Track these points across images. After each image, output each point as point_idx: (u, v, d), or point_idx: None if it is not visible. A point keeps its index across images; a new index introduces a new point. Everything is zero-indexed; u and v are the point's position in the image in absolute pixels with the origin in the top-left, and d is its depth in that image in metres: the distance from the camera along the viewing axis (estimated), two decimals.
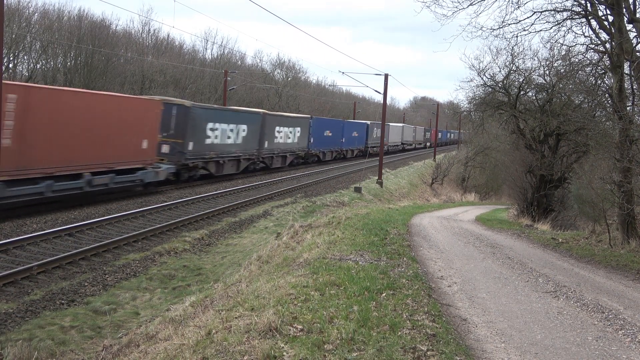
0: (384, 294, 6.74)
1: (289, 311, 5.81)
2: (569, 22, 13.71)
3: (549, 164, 22.34)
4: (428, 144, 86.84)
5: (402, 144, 69.01)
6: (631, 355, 5.60)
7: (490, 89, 24.77)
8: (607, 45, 13.12)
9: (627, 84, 13.16)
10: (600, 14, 13.05)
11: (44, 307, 9.72)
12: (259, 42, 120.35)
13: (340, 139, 47.20)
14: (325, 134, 43.22)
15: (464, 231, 14.86)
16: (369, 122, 56.10)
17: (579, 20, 13.72)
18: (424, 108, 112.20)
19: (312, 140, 40.24)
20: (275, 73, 69.72)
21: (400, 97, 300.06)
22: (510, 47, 23.62)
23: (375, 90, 35.52)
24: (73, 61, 42.15)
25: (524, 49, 37.03)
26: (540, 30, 16.49)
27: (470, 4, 13.34)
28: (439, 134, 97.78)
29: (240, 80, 53.31)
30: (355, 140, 51.54)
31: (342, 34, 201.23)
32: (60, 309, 9.73)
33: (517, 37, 15.25)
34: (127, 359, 6.61)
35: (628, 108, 12.92)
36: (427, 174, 49.37)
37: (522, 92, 23.93)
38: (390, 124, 63.33)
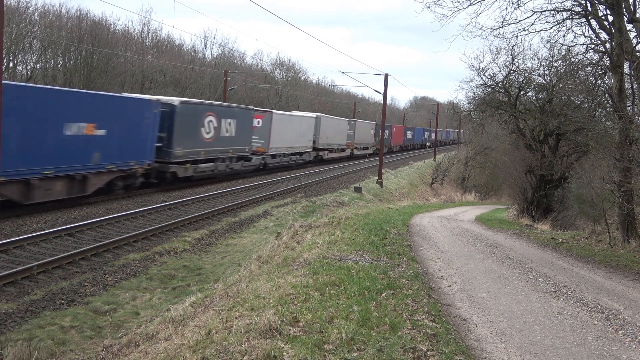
0: (384, 294, 6.74)
1: (289, 311, 5.81)
2: (569, 22, 13.72)
3: (549, 163, 22.35)
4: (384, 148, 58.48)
5: (321, 149, 42.17)
6: (631, 355, 5.59)
7: (490, 89, 24.79)
8: (607, 45, 13.12)
9: (627, 84, 13.16)
10: (600, 14, 13.05)
11: (44, 307, 9.72)
12: (259, 42, 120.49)
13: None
14: None
15: (464, 231, 14.86)
16: (177, 100, 23.35)
17: (579, 20, 13.73)
18: (424, 108, 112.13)
19: None
20: (275, 73, 69.85)
21: (401, 97, 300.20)
22: (510, 47, 23.63)
23: (376, 90, 35.53)
24: (73, 61, 42.17)
25: (524, 49, 37.07)
26: (540, 30, 16.54)
27: (470, 4, 13.34)
28: (410, 133, 73.86)
29: (240, 80, 53.33)
30: (90, 150, 17.79)
31: (342, 34, 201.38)
32: (60, 309, 9.73)
33: (517, 37, 15.27)
34: (127, 359, 6.61)
35: (628, 108, 12.92)
36: (427, 174, 49.40)
37: (522, 92, 23.94)
38: (292, 113, 39.93)
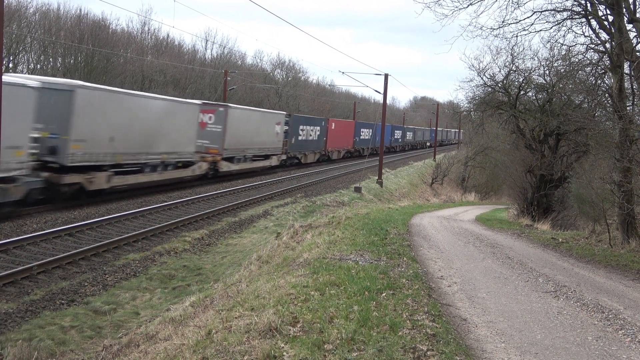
0: (384, 294, 6.74)
1: (289, 311, 5.81)
2: (569, 22, 13.71)
3: (549, 163, 22.35)
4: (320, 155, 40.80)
5: (73, 168, 17.08)
6: (631, 355, 5.59)
7: (490, 89, 24.78)
8: (607, 45, 13.12)
9: (627, 84, 13.16)
10: (600, 14, 13.04)
11: (44, 307, 9.72)
12: (259, 42, 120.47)
13: None
14: None
15: (464, 231, 14.86)
16: None
17: (579, 20, 13.72)
18: (424, 108, 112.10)
19: None
20: (275, 73, 69.74)
21: (401, 97, 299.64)
22: (510, 47, 23.60)
23: (376, 90, 35.50)
24: (73, 61, 42.17)
25: (524, 49, 36.86)
26: (540, 30, 16.49)
27: (470, 4, 13.32)
28: (366, 132, 49.80)
29: (240, 80, 53.30)
30: None
31: (342, 34, 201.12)
32: (60, 309, 9.73)
33: (517, 37, 15.24)
34: (127, 359, 6.61)
35: (628, 108, 12.92)
36: (427, 174, 49.37)
37: (522, 92, 23.94)
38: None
